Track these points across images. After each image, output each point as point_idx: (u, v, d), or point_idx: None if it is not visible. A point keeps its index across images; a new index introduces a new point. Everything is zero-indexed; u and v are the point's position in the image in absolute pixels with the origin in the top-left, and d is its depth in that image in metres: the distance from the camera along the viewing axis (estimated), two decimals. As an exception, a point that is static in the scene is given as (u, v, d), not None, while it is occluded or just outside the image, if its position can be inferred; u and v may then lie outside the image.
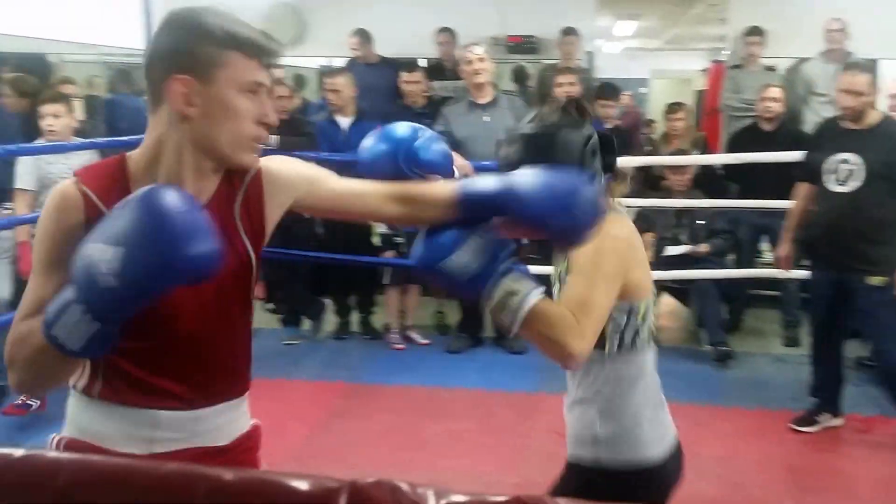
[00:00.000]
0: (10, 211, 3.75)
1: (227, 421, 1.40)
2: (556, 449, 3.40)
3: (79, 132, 4.11)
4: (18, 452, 0.60)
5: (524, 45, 5.97)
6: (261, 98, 1.26)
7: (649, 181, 4.96)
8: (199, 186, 1.29)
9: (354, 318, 5.04)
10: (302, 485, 0.56)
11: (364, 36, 5.54)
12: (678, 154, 4.98)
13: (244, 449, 1.44)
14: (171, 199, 1.09)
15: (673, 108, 5.30)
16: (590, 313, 1.44)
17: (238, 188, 1.35)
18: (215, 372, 1.36)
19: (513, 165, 1.47)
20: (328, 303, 5.06)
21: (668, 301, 5.09)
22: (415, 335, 4.86)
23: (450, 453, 3.40)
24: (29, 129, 4.22)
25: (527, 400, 3.94)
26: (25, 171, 3.65)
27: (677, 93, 11.89)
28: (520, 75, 6.99)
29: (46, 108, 3.68)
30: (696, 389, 4.07)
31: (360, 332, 4.98)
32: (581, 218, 1.29)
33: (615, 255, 1.53)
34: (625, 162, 4.67)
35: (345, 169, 5.00)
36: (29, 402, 3.60)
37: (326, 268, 4.97)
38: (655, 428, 1.63)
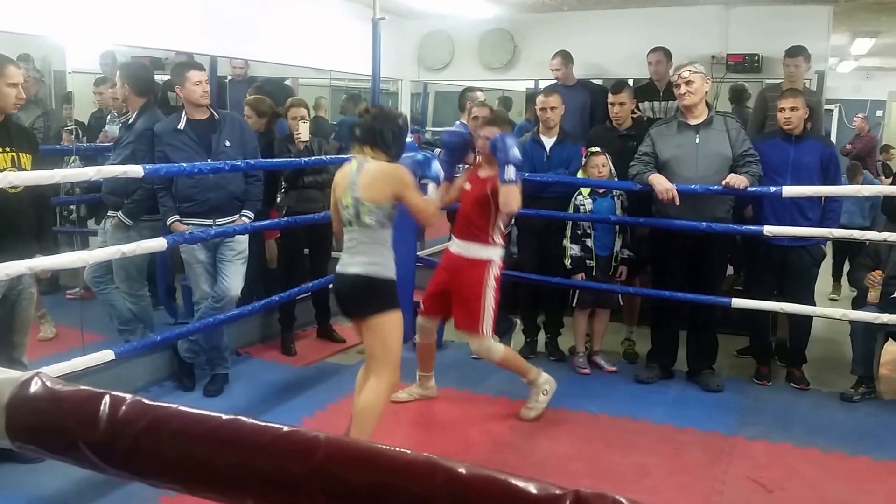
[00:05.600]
0: (248, 218, 4.13)
1: (469, 249, 3.82)
2: (752, 498, 3.18)
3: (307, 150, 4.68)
4: (284, 427, 0.66)
5: (745, 63, 5.65)
6: None
7: (890, 213, 4.46)
8: None
9: (541, 338, 4.99)
10: (529, 486, 0.60)
11: (566, 57, 5.51)
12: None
13: (471, 265, 3.78)
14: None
15: None
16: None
17: None
18: (467, 227, 3.86)
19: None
20: (517, 321, 5.06)
21: (893, 349, 4.55)
22: (602, 361, 4.72)
23: (637, 488, 3.25)
24: (266, 145, 4.67)
25: (722, 442, 3.71)
26: None
27: (921, 117, 10.64)
28: (737, 95, 6.62)
29: None
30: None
31: (547, 353, 4.92)
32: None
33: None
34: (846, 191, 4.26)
35: (543, 188, 5.08)
36: None
37: (518, 286, 4.99)
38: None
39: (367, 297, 3.13)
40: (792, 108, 4.26)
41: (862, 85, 10.54)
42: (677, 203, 4.12)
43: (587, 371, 4.64)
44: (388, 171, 3.10)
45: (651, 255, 4.66)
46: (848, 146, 8.78)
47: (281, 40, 5.24)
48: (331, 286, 4.89)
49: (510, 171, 3.62)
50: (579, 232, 4.62)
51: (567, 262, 4.62)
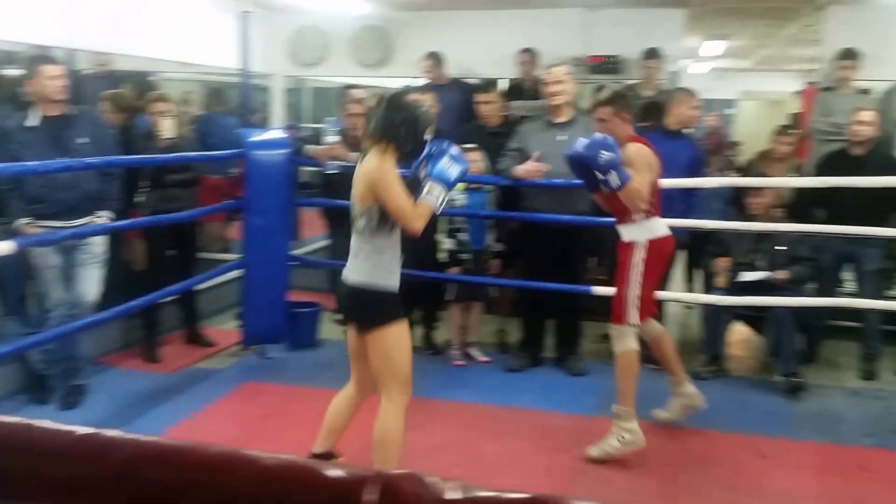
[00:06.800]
0: (103, 219, 3.95)
1: (620, 232, 3.55)
2: (612, 474, 3.36)
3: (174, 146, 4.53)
4: (81, 430, 0.64)
5: (605, 65, 5.92)
6: None
7: (737, 204, 4.79)
8: None
9: (417, 332, 5.05)
10: (337, 472, 0.61)
11: (436, 58, 5.60)
12: (760, 176, 4.82)
13: (620, 249, 3.54)
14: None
15: (782, 130, 5.12)
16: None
17: None
18: (613, 210, 3.57)
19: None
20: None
21: (740, 329, 4.91)
22: (475, 352, 4.84)
23: (506, 472, 3.36)
24: (125, 141, 4.48)
25: (585, 423, 3.88)
26: None
27: (767, 115, 11.44)
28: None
29: None
30: (765, 422, 3.97)
31: (422, 347, 4.99)
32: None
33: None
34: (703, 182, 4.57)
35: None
36: None
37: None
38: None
39: (364, 309, 2.86)
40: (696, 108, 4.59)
41: (714, 85, 11.23)
42: (544, 171, 4.26)
43: (462, 363, 4.74)
44: (368, 169, 2.75)
45: (520, 248, 4.81)
46: (700, 141, 9.32)
47: (144, 32, 5.04)
48: (208, 283, 4.79)
49: (613, 178, 3.28)
50: (453, 226, 4.70)
51: (442, 255, 4.69)
